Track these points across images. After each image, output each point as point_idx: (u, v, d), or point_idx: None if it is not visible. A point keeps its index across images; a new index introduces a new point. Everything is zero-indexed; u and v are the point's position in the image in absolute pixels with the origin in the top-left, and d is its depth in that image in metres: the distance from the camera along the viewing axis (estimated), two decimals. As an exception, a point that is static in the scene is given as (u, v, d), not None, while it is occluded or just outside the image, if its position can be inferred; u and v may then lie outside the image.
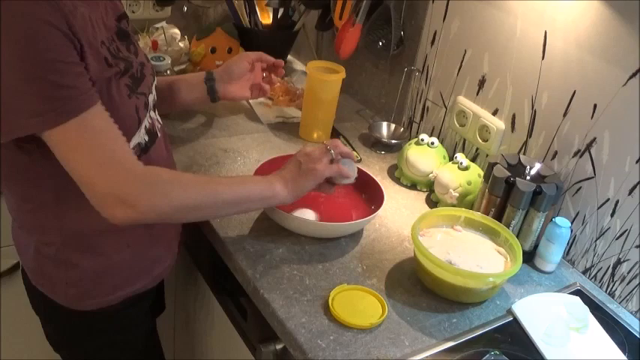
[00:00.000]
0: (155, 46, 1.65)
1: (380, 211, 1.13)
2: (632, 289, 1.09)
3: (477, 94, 1.34)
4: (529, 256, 1.16)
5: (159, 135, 1.01)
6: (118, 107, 0.87)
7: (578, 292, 1.10)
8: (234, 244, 1.08)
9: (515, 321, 1.01)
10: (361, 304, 0.97)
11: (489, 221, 1.12)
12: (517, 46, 1.22)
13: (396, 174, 1.39)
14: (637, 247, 1.07)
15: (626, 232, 1.08)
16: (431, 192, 1.32)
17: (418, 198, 1.32)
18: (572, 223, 1.15)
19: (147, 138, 0.96)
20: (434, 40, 1.43)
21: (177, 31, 1.72)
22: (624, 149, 1.06)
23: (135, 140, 0.92)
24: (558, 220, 1.11)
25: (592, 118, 1.10)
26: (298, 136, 1.48)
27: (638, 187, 1.05)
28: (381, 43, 1.52)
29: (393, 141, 1.50)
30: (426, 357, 0.91)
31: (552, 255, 1.13)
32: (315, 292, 0.99)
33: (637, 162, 1.04)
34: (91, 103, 0.80)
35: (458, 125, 1.39)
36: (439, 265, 0.98)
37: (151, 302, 1.15)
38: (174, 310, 1.48)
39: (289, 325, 0.92)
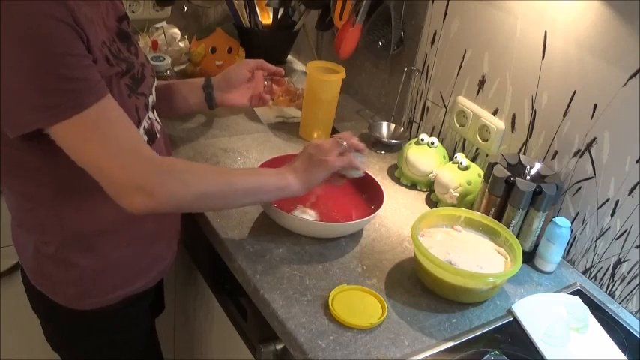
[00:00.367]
0: (155, 46, 1.65)
1: (380, 211, 1.13)
2: (632, 289, 1.09)
3: (477, 94, 1.34)
4: (529, 256, 1.16)
5: (158, 136, 1.01)
6: None
7: (578, 292, 1.10)
8: (234, 244, 1.08)
9: (515, 321, 1.01)
10: (361, 304, 0.97)
11: (489, 221, 1.12)
12: (517, 46, 1.22)
13: (396, 174, 1.39)
14: (637, 247, 1.07)
15: (626, 232, 1.08)
16: (431, 192, 1.32)
17: (418, 198, 1.32)
18: (572, 223, 1.15)
19: (146, 138, 0.96)
20: (434, 40, 1.43)
21: (177, 31, 1.72)
22: (624, 149, 1.06)
23: None
24: (558, 220, 1.11)
25: (592, 118, 1.10)
26: (298, 136, 1.48)
27: (638, 187, 1.05)
28: (381, 43, 1.52)
29: (393, 141, 1.50)
30: (426, 357, 0.91)
31: (552, 255, 1.13)
32: (315, 292, 0.99)
33: (637, 162, 1.04)
34: (103, 94, 0.80)
35: (458, 125, 1.39)
36: (439, 265, 0.98)
37: (150, 302, 1.15)
38: (174, 310, 1.48)
39: (289, 325, 0.92)
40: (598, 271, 1.14)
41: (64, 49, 0.76)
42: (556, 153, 1.18)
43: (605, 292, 1.13)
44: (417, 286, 1.05)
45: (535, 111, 1.21)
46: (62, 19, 0.75)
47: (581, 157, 1.14)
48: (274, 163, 1.19)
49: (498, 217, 1.14)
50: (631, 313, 1.09)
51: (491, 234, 1.11)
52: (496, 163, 1.15)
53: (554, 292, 1.10)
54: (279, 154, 1.24)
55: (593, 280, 1.16)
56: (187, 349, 1.49)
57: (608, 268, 1.12)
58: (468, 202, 1.24)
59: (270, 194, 1.00)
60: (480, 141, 1.34)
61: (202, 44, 1.64)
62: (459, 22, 1.35)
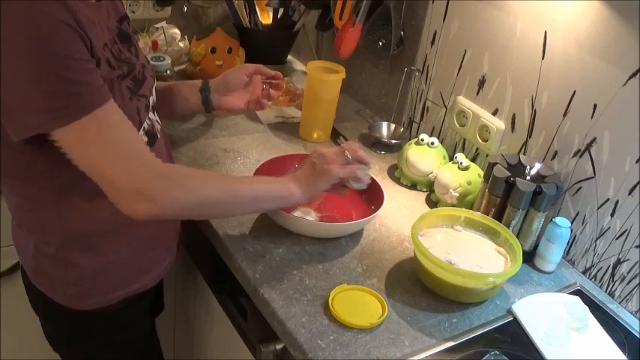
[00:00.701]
0: (155, 46, 1.65)
1: (380, 211, 1.13)
2: (632, 289, 1.09)
3: (477, 94, 1.34)
4: (529, 256, 1.16)
5: (159, 136, 1.01)
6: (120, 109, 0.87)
7: (578, 292, 1.10)
8: (234, 244, 1.08)
9: (515, 321, 1.01)
10: (361, 304, 0.97)
11: (489, 221, 1.12)
12: (517, 46, 1.22)
13: (396, 174, 1.39)
14: (637, 247, 1.07)
15: (626, 232, 1.08)
16: (431, 192, 1.32)
17: (418, 198, 1.32)
18: (572, 223, 1.15)
19: (147, 139, 0.96)
20: (434, 40, 1.43)
21: (177, 31, 1.72)
22: (624, 149, 1.06)
23: None
24: (558, 220, 1.11)
25: (592, 118, 1.10)
26: (298, 136, 1.48)
27: (638, 187, 1.05)
28: (381, 43, 1.52)
29: (393, 141, 1.50)
30: (426, 357, 0.91)
31: (552, 255, 1.13)
32: (315, 292, 0.99)
33: (637, 162, 1.04)
34: (105, 99, 0.80)
35: (458, 125, 1.39)
36: (439, 265, 0.98)
37: (150, 302, 1.15)
38: (174, 310, 1.48)
39: (289, 325, 0.92)
40: (598, 271, 1.14)
41: (67, 52, 0.75)
42: (556, 153, 1.18)
43: (605, 292, 1.13)
44: (417, 286, 1.05)
45: (535, 111, 1.21)
46: (65, 22, 0.74)
47: (581, 157, 1.14)
48: (274, 164, 1.19)
49: (498, 217, 1.14)
50: (631, 313, 1.09)
51: (491, 234, 1.11)
52: (496, 163, 1.15)
53: (554, 292, 1.10)
54: (279, 154, 1.24)
55: (593, 280, 1.16)
56: (187, 349, 1.49)
57: (608, 268, 1.12)
58: (468, 202, 1.24)
59: (272, 202, 1.00)
60: (480, 141, 1.34)
61: (202, 44, 1.64)
62: (459, 22, 1.35)
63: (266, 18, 1.80)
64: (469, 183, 1.23)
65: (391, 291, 1.03)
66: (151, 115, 0.99)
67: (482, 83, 1.32)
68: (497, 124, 1.29)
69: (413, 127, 1.55)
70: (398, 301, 1.01)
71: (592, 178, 1.12)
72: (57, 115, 0.76)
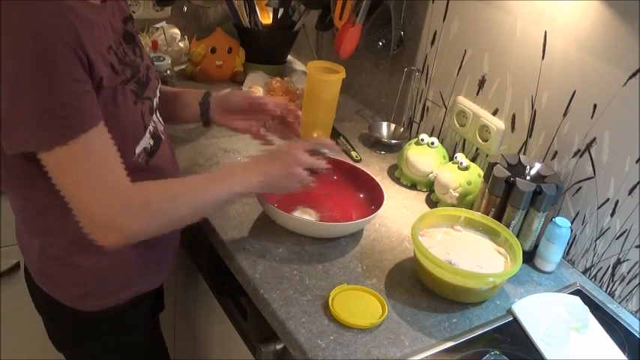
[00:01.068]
0: (155, 46, 1.65)
1: (380, 211, 1.13)
2: (632, 289, 1.09)
3: (477, 94, 1.34)
4: (529, 256, 1.16)
5: (162, 137, 1.01)
6: (124, 114, 0.87)
7: (578, 292, 1.10)
8: (234, 244, 1.08)
9: (515, 321, 1.01)
10: (361, 304, 0.97)
11: (489, 221, 1.12)
12: (517, 46, 1.22)
13: (396, 174, 1.39)
14: (637, 247, 1.07)
15: (626, 232, 1.08)
16: (431, 192, 1.32)
17: (418, 198, 1.32)
18: (572, 223, 1.15)
19: (152, 142, 0.96)
20: (434, 40, 1.43)
21: (177, 31, 1.73)
22: (624, 149, 1.06)
23: (141, 145, 0.92)
24: (558, 220, 1.11)
25: (592, 118, 1.10)
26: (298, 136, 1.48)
27: (638, 187, 1.05)
28: (381, 43, 1.52)
29: (393, 141, 1.50)
30: (426, 357, 0.91)
31: (552, 255, 1.13)
32: (315, 292, 0.99)
33: (637, 162, 1.04)
34: (92, 124, 0.79)
35: (458, 125, 1.39)
36: (439, 265, 0.98)
37: (151, 303, 1.15)
38: (175, 311, 1.48)
39: (289, 325, 0.92)
40: (598, 271, 1.14)
41: (64, 71, 0.74)
42: (556, 153, 1.18)
43: (605, 292, 1.13)
44: (417, 286, 1.05)
45: (535, 111, 1.21)
46: (66, 42, 0.74)
47: (581, 157, 1.14)
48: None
49: (498, 217, 1.14)
50: (631, 313, 1.09)
51: (491, 234, 1.11)
52: (496, 163, 1.15)
53: (554, 292, 1.10)
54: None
55: (593, 280, 1.16)
56: (187, 350, 1.49)
57: (608, 268, 1.12)
58: (468, 202, 1.24)
59: (237, 197, 1.02)
60: (480, 141, 1.34)
61: (202, 44, 1.64)
62: (458, 22, 1.35)
63: (266, 18, 1.80)
64: (469, 183, 1.23)
65: (391, 291, 1.03)
66: (154, 116, 0.98)
67: (482, 83, 1.32)
68: (497, 124, 1.29)
69: (413, 127, 1.55)
70: (398, 301, 1.01)
71: (592, 178, 1.12)
72: (43, 137, 0.76)
